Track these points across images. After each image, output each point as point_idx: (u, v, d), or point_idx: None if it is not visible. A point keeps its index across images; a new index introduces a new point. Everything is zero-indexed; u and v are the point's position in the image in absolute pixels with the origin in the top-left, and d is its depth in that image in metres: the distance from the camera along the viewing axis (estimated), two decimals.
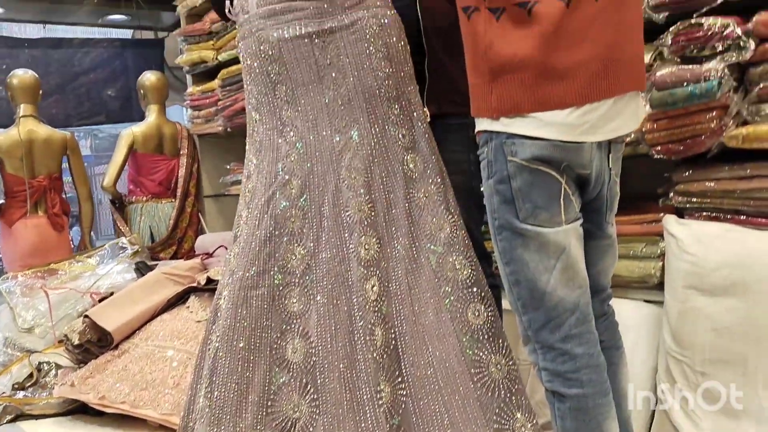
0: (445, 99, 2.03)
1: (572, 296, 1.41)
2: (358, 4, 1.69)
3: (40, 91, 4.14)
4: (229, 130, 4.05)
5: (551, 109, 1.32)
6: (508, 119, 1.35)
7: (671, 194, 2.08)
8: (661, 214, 2.09)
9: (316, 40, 1.69)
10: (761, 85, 1.90)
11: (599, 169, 1.42)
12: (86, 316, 2.76)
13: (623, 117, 1.39)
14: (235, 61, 3.87)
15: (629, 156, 1.83)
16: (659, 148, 2.05)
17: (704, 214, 2.04)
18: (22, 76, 4.06)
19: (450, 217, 1.70)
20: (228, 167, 4.24)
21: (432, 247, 1.68)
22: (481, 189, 2.19)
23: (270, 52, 1.72)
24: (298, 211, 1.72)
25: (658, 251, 2.09)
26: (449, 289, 1.65)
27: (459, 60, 2.06)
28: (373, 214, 1.68)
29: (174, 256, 4.22)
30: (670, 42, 1.97)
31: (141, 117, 4.55)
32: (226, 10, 1.84)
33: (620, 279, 2.10)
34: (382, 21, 1.70)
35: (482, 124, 1.41)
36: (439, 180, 1.72)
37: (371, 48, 1.69)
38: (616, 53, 1.35)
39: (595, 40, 1.31)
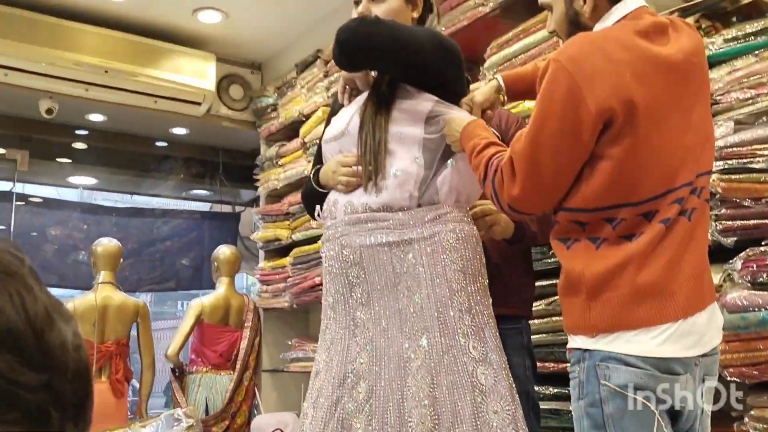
0: (501, 301, 2.08)
1: None
2: (437, 219, 1.79)
3: (121, 259, 4.37)
4: (295, 306, 4.16)
5: (652, 325, 1.34)
6: (606, 337, 1.37)
7: (746, 419, 2.01)
8: None
9: (395, 249, 1.79)
10: None
11: (693, 402, 1.40)
12: None
13: (713, 328, 1.41)
14: (308, 241, 4.05)
15: None
16: (732, 370, 2.01)
17: None
18: (106, 245, 4.30)
19: None
20: (289, 343, 4.30)
21: None
22: (540, 395, 2.18)
23: (351, 257, 1.82)
24: (364, 417, 1.73)
25: None
26: None
27: (513, 266, 2.14)
28: (436, 427, 1.67)
29: (226, 431, 4.19)
30: (739, 267, 2.00)
31: (209, 286, 4.72)
32: (315, 213, 1.98)
33: None
34: (460, 235, 1.79)
35: (576, 342, 1.42)
36: (509, 396, 1.72)
37: (447, 260, 1.76)
38: (703, 265, 1.41)
39: (689, 256, 1.37)
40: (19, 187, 5.06)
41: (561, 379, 2.57)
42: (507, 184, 1.46)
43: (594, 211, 1.40)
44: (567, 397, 2.21)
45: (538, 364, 2.59)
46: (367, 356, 1.78)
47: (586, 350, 1.40)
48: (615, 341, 1.36)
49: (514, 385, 1.75)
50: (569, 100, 1.35)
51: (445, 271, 1.76)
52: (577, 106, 1.34)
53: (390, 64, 1.85)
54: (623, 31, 1.40)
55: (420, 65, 1.81)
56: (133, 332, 4.37)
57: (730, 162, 2.05)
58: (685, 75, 1.42)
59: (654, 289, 1.34)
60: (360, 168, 1.84)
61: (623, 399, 1.34)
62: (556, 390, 2.58)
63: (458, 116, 1.73)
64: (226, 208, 6.04)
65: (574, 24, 1.49)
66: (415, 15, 1.99)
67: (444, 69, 1.84)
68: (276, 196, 4.54)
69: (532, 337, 2.24)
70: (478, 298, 1.79)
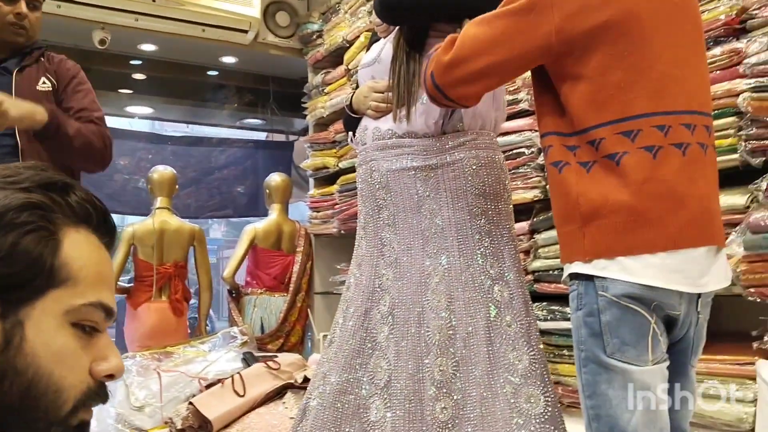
0: None
1: None
2: (460, 146, 1.84)
3: (176, 186, 4.55)
4: (342, 232, 4.28)
5: (642, 253, 1.36)
6: (599, 262, 1.40)
7: (765, 338, 2.04)
8: (756, 357, 2.05)
9: (419, 174, 1.86)
10: None
11: (687, 311, 1.43)
12: (191, 403, 2.96)
13: (714, 272, 1.42)
14: (353, 169, 4.12)
15: (723, 294, 1.82)
16: (753, 290, 2.03)
17: None
18: (162, 171, 4.49)
19: (530, 350, 1.76)
20: (338, 267, 4.44)
21: (509, 377, 1.73)
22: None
23: (379, 180, 1.90)
24: (387, 327, 1.85)
25: (752, 395, 2.04)
26: (521, 422, 1.69)
27: None
28: (451, 337, 1.77)
29: (280, 349, 4.41)
30: (765, 187, 1.99)
31: (266, 213, 4.88)
32: (349, 140, 2.07)
33: (710, 420, 2.06)
34: (482, 161, 1.84)
35: (573, 268, 1.45)
36: (523, 311, 1.80)
37: (468, 185, 1.83)
38: (704, 204, 1.41)
39: (683, 191, 1.37)
40: None
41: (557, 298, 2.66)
42: (440, 52, 1.49)
43: (578, 134, 1.42)
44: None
45: (537, 286, 2.69)
46: (393, 272, 1.88)
47: (583, 274, 1.43)
48: (608, 266, 1.39)
49: (530, 302, 1.83)
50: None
51: (466, 196, 1.83)
52: (541, 13, 1.37)
53: (433, 19, 1.87)
54: None
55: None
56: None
57: (761, 80, 2.01)
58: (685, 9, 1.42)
59: (646, 218, 1.36)
60: (390, 95, 1.89)
61: (619, 308, 1.38)
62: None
63: None
64: (280, 137, 6.14)
65: None
66: None
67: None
68: (323, 124, 4.61)
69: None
70: (498, 221, 1.85)
